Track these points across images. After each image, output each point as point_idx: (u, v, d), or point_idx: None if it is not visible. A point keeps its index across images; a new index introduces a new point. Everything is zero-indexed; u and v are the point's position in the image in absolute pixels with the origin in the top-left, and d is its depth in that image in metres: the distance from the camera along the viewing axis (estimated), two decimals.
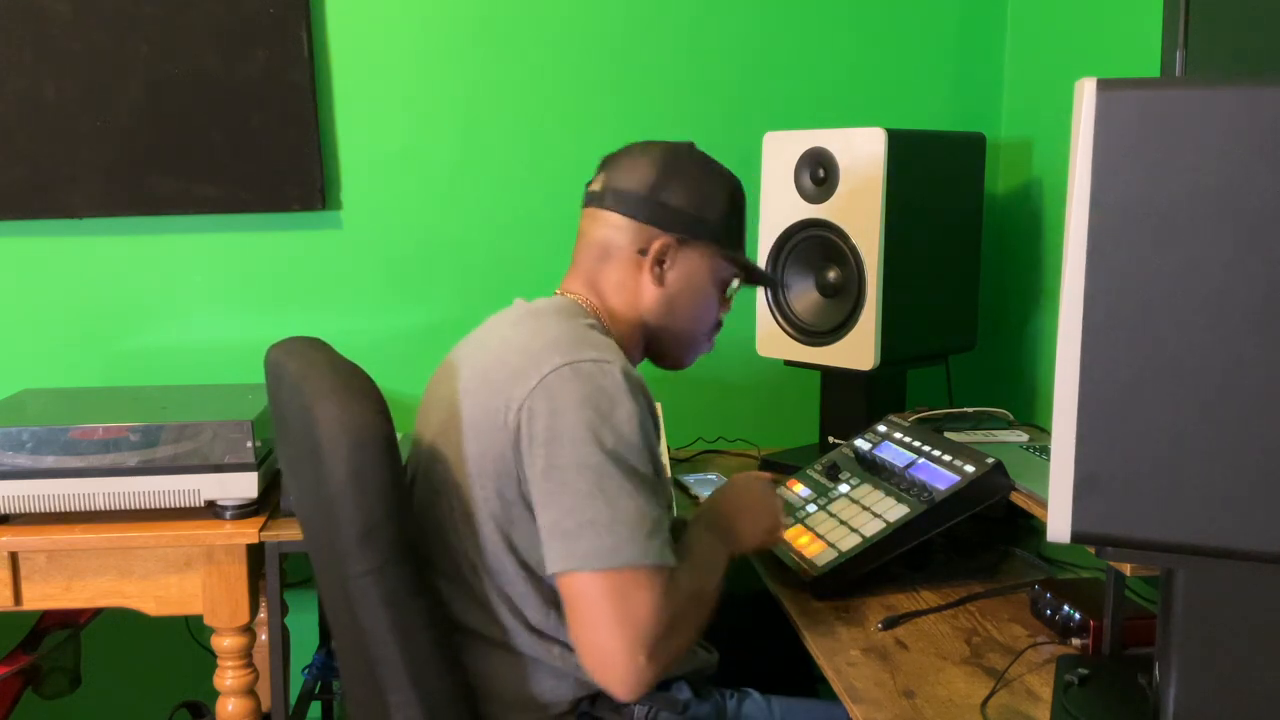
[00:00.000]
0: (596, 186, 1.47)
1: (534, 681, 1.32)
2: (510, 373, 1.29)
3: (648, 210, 1.42)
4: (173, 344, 2.25)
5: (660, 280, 1.44)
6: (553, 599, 1.30)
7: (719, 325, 1.54)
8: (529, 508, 1.27)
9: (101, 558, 1.76)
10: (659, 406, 2.08)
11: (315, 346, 1.39)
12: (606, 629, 1.21)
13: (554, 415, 1.24)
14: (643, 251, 1.43)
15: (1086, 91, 0.90)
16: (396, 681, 1.22)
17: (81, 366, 2.24)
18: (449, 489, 1.33)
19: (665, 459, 1.92)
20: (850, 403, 2.04)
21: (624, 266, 1.44)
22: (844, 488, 1.67)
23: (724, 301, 1.52)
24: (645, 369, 1.48)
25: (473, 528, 1.31)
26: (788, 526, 1.64)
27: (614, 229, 1.44)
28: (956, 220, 2.05)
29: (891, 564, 1.54)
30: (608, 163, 1.48)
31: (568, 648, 1.30)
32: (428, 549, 1.34)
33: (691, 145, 1.49)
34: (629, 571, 1.21)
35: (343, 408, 1.19)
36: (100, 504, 1.74)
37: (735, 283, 1.51)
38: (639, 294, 1.44)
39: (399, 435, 1.23)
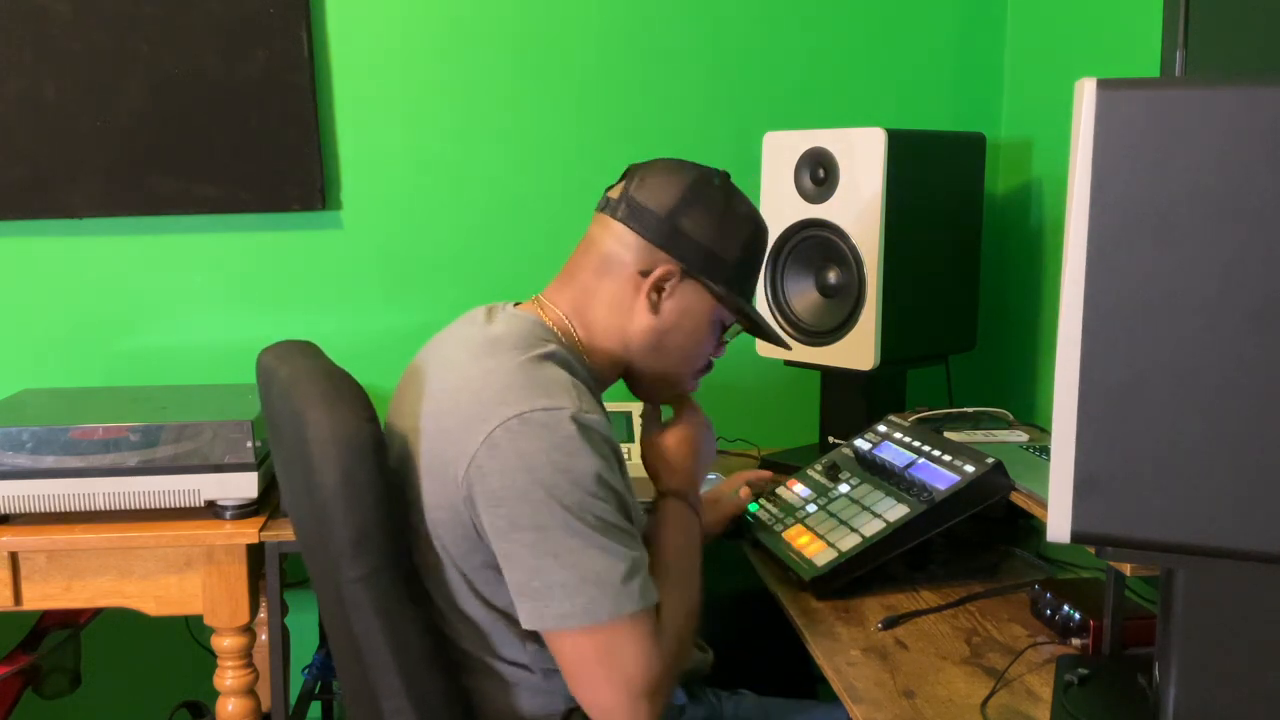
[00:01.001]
0: (615, 194, 1.37)
1: (520, 700, 1.31)
2: (460, 421, 1.22)
3: (661, 232, 1.33)
4: (173, 344, 2.25)
5: (655, 308, 1.35)
6: (528, 634, 1.26)
7: (709, 367, 1.46)
8: (489, 556, 1.23)
9: (101, 558, 1.76)
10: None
11: (306, 351, 1.37)
12: (600, 687, 1.19)
13: (506, 474, 1.18)
14: (644, 273, 1.34)
15: (1086, 91, 0.90)
16: (390, 687, 1.21)
17: (81, 366, 2.24)
18: (410, 528, 1.28)
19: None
20: (850, 403, 2.04)
21: (621, 285, 1.35)
22: (844, 488, 1.67)
23: (719, 345, 1.44)
24: None
25: (437, 568, 1.27)
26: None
27: (621, 244, 1.35)
28: (956, 220, 2.05)
29: (891, 564, 1.54)
30: (632, 173, 1.38)
31: (549, 673, 1.27)
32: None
33: (725, 176, 1.39)
34: (609, 626, 1.18)
35: (333, 415, 1.18)
36: (100, 504, 1.74)
37: (736, 327, 1.44)
38: (630, 317, 1.35)
39: None
